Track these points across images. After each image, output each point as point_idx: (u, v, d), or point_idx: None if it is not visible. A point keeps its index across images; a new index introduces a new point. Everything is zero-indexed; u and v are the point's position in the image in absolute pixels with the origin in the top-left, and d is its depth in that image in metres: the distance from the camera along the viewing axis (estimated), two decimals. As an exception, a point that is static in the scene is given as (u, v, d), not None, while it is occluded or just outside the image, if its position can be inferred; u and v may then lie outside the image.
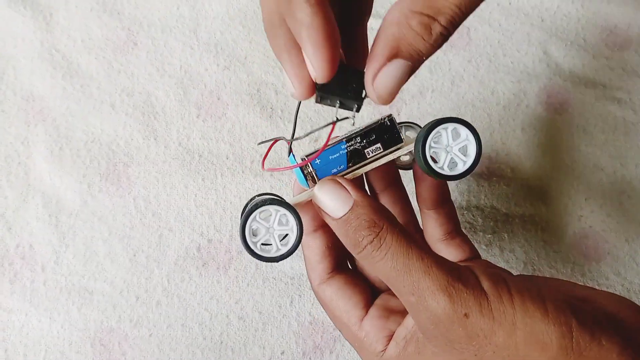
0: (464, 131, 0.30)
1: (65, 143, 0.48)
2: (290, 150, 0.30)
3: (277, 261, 0.29)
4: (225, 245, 0.45)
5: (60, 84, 0.49)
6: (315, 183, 0.30)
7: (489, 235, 0.47)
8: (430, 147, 0.30)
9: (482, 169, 0.48)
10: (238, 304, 0.44)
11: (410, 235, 0.28)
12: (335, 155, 0.30)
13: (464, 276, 0.26)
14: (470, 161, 0.30)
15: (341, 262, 0.34)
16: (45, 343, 0.43)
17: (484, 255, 0.46)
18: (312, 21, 0.23)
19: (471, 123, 0.30)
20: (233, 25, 0.51)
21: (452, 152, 0.30)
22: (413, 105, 0.50)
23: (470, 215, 0.47)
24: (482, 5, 0.43)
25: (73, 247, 0.45)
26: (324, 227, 0.33)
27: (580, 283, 0.45)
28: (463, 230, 0.46)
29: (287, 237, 0.30)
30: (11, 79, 0.49)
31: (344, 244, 0.29)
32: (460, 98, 0.50)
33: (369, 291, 0.34)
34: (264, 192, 0.36)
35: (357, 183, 0.31)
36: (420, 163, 0.30)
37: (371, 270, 0.30)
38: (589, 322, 0.25)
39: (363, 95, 0.27)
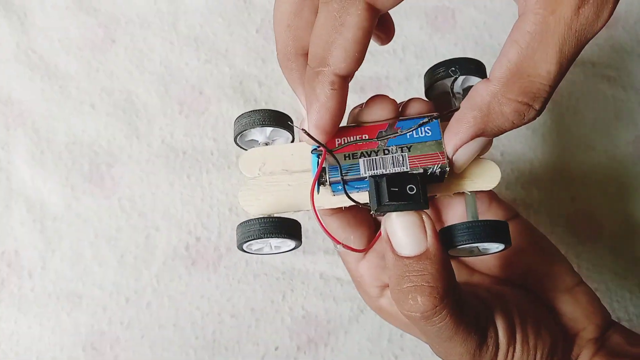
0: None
1: (46, 146, 0.47)
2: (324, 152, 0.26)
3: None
4: (214, 243, 0.45)
5: (39, 86, 0.49)
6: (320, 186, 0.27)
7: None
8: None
9: (472, 153, 0.48)
10: (230, 301, 0.44)
11: (461, 308, 0.26)
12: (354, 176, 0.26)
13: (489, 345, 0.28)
14: (480, 253, 0.29)
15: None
16: (37, 349, 0.43)
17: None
18: (327, 102, 0.24)
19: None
20: (212, 18, 0.51)
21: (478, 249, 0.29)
22: (400, 91, 0.49)
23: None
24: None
25: (59, 251, 0.45)
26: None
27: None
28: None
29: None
30: (-12, 82, 0.49)
31: (390, 282, 0.26)
32: (447, 83, 0.50)
33: (372, 225, 0.32)
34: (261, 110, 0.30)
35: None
36: None
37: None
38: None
39: (427, 198, 0.25)
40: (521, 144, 0.49)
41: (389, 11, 0.27)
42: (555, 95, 0.49)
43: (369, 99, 0.28)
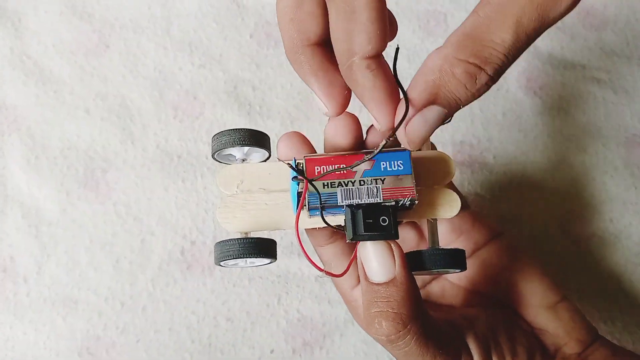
0: None
1: (41, 151, 0.48)
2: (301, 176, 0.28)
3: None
4: (209, 247, 0.45)
5: (33, 91, 0.49)
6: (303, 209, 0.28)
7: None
8: None
9: (464, 157, 0.49)
10: (225, 305, 0.44)
11: (430, 334, 0.27)
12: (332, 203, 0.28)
13: None
14: (438, 274, 0.34)
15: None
16: (32, 355, 0.43)
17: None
18: (374, 84, 0.24)
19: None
20: (206, 22, 0.51)
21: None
22: (392, 95, 0.50)
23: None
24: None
25: (55, 256, 0.45)
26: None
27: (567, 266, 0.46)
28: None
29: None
30: (-18, 88, 0.49)
31: (363, 306, 0.28)
32: (439, 86, 0.51)
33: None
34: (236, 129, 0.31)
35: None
36: None
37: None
38: None
39: (397, 228, 0.28)
40: (513, 146, 0.50)
41: (391, 9, 0.27)
42: (546, 97, 0.50)
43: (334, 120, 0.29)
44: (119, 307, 0.44)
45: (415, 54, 0.51)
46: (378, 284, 0.26)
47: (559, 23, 0.52)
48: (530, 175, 0.49)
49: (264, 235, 0.29)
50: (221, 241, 0.29)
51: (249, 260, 0.30)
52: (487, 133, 0.50)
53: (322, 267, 0.30)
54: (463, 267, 0.29)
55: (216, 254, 0.29)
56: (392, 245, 0.27)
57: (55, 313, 0.44)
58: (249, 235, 0.29)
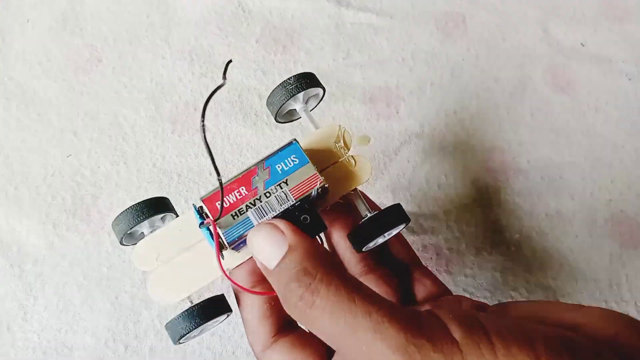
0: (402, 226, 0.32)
1: (20, 181, 0.45)
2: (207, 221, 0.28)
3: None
4: (223, 272, 0.42)
5: (14, 115, 0.47)
6: (224, 249, 0.29)
7: (517, 236, 0.45)
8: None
9: (497, 164, 0.48)
10: (244, 338, 0.42)
11: (353, 282, 0.24)
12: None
13: (427, 326, 0.22)
14: (389, 236, 0.32)
15: (287, 322, 0.32)
16: (19, 417, 0.39)
17: (515, 258, 0.45)
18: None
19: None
20: (209, 29, 0.51)
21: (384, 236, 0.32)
22: (412, 101, 0.49)
23: (493, 214, 0.46)
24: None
25: (43, 298, 0.42)
26: (263, 281, 0.31)
27: (617, 275, 0.44)
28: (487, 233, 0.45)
29: None
30: (-47, 116, 0.47)
31: (277, 292, 0.26)
32: (462, 89, 0.50)
33: (324, 350, 0.31)
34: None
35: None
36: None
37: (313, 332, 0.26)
38: None
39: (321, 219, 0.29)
40: (547, 148, 0.49)
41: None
42: (574, 93, 0.50)
43: None
44: (122, 350, 0.41)
45: (434, 57, 0.51)
46: (279, 264, 0.25)
47: (580, 15, 0.53)
48: (568, 177, 0.48)
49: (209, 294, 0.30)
50: (169, 322, 0.29)
51: (205, 326, 0.30)
52: (518, 136, 0.49)
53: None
54: (407, 220, 0.31)
55: (171, 336, 0.29)
56: (275, 222, 0.27)
57: (45, 363, 0.40)
58: (191, 300, 0.30)
